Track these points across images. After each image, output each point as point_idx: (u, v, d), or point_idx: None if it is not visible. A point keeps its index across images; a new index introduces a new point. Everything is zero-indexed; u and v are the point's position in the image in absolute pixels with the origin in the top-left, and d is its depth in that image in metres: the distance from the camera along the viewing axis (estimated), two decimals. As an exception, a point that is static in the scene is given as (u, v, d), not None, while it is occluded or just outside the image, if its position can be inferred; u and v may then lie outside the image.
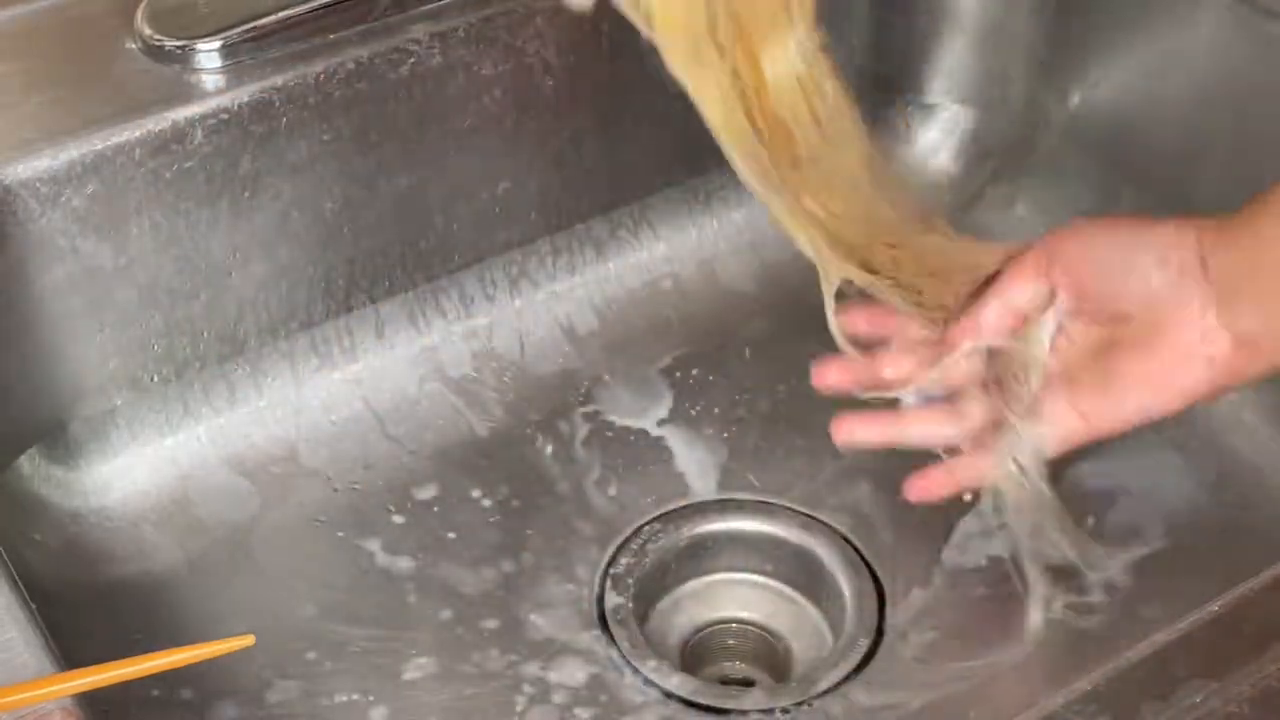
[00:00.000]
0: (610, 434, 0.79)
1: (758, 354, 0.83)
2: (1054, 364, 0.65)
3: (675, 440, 0.79)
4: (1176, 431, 0.78)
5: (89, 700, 0.50)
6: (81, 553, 0.74)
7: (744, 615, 0.75)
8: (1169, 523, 0.75)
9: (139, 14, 0.73)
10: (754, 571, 0.76)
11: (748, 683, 0.73)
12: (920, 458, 0.70)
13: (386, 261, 0.79)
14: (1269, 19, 0.76)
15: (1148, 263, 0.60)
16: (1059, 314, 0.64)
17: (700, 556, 0.75)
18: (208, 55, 0.72)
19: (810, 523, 0.75)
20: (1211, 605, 0.54)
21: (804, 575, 0.75)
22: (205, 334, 0.76)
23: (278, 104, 0.72)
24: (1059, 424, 0.65)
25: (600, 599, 0.72)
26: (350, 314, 0.80)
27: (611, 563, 0.74)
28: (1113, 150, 0.84)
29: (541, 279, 0.83)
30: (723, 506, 0.76)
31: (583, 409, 0.80)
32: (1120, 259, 0.61)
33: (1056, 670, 0.69)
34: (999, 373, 0.66)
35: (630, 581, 0.73)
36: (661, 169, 0.85)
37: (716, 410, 0.80)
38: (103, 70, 0.72)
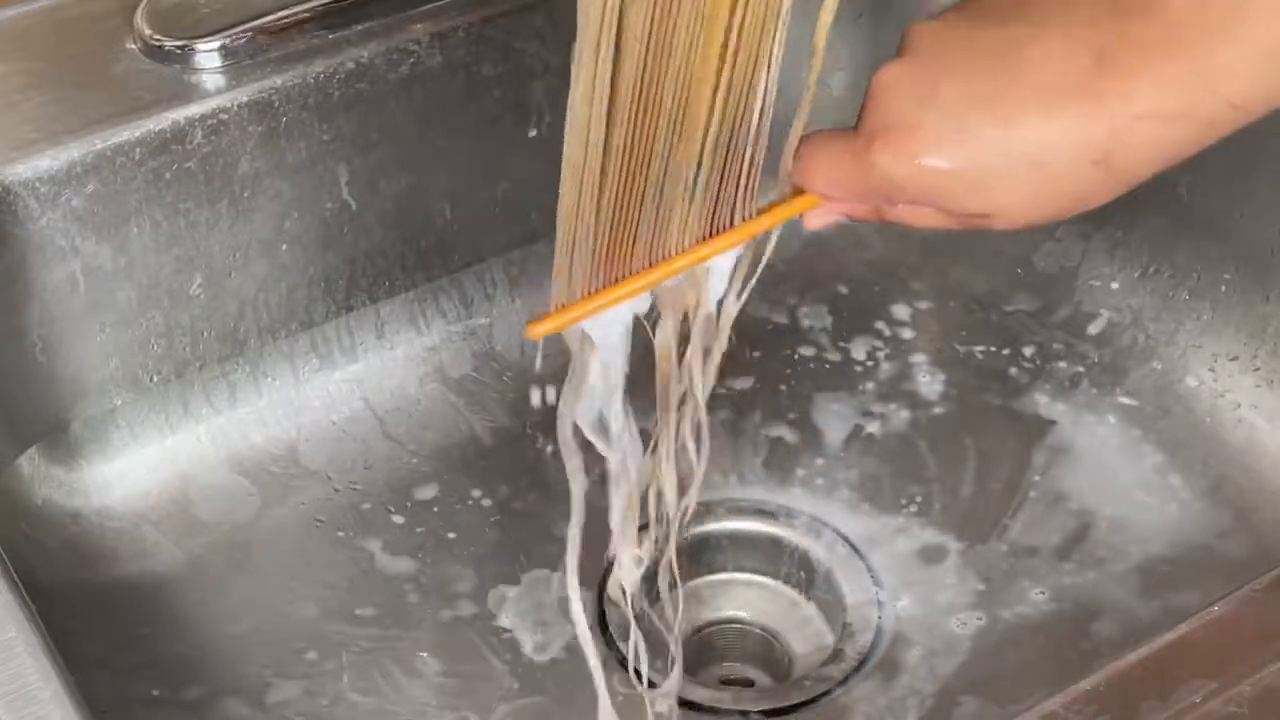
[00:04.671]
0: (610, 434, 0.79)
1: (758, 353, 0.83)
2: None
3: (675, 440, 0.79)
4: (1176, 432, 0.78)
5: (89, 700, 0.50)
6: (81, 553, 0.74)
7: (744, 615, 0.75)
8: (1169, 522, 0.75)
9: (139, 14, 0.73)
10: (754, 571, 0.76)
11: (748, 683, 0.73)
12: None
13: (386, 261, 0.79)
14: (1269, 19, 0.76)
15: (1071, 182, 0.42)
16: None
17: (701, 556, 0.75)
18: (207, 55, 0.72)
19: (811, 523, 0.75)
20: (1211, 605, 0.54)
21: (804, 575, 0.75)
22: (205, 334, 0.76)
23: (277, 104, 0.72)
24: None
25: (601, 599, 0.72)
26: (350, 314, 0.80)
27: (612, 563, 0.74)
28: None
29: (541, 279, 0.83)
30: (723, 507, 0.76)
31: (583, 409, 0.80)
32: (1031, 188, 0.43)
33: (1056, 670, 0.69)
34: None
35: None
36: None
37: (716, 410, 0.80)
38: (103, 70, 0.72)
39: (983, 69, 0.41)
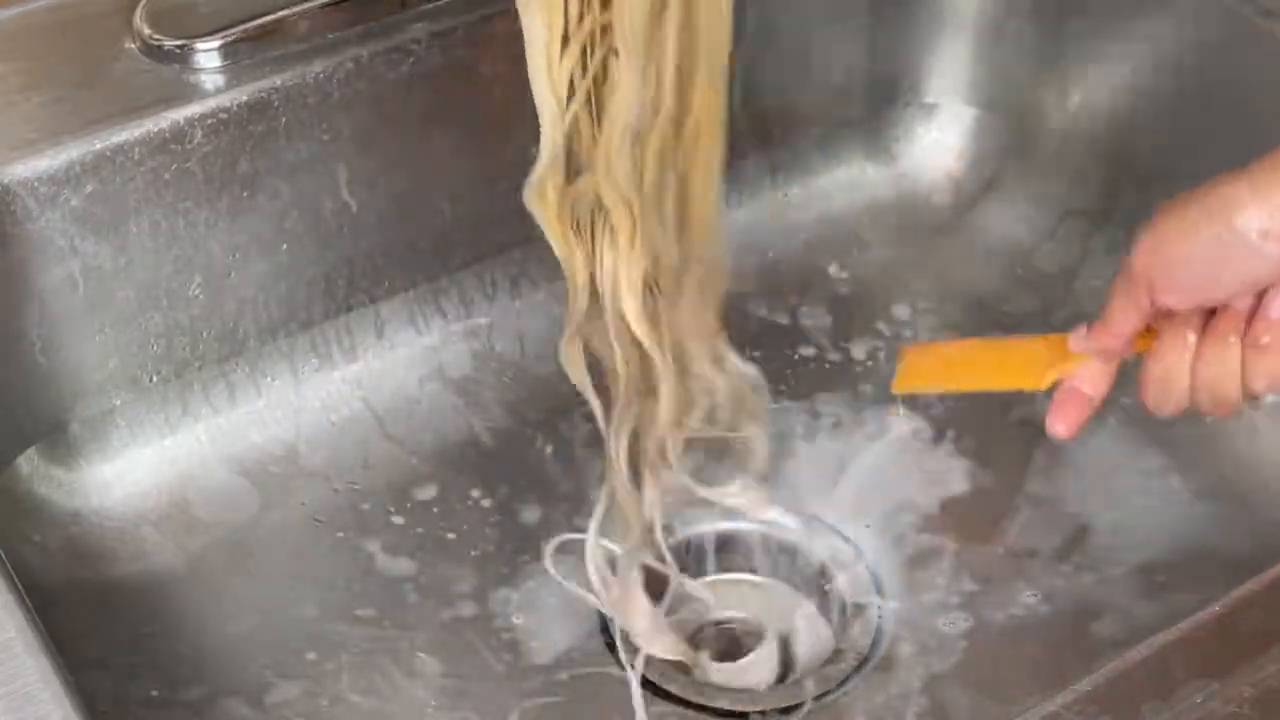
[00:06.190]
0: (610, 434, 0.79)
1: (758, 353, 0.83)
2: None
3: (675, 440, 0.79)
4: (1177, 431, 0.78)
5: (89, 700, 0.50)
6: (81, 553, 0.74)
7: (744, 615, 0.75)
8: (1169, 523, 0.75)
9: (138, 14, 0.73)
10: (754, 571, 0.76)
11: (748, 683, 0.73)
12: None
13: (386, 261, 0.79)
14: (1268, 18, 0.76)
15: (1243, 255, 0.58)
16: None
17: (701, 557, 0.75)
18: (207, 55, 0.72)
19: (811, 522, 0.75)
20: (1211, 605, 0.54)
21: (804, 575, 0.75)
22: (205, 334, 0.76)
23: (277, 104, 0.72)
24: None
25: (600, 599, 0.72)
26: (350, 314, 0.80)
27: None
28: (1113, 150, 0.84)
29: (541, 279, 0.83)
30: (723, 507, 0.76)
31: (583, 409, 0.80)
32: (1215, 261, 0.59)
33: (1056, 670, 0.69)
34: None
35: (630, 581, 0.73)
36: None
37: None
38: (102, 70, 0.72)
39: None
